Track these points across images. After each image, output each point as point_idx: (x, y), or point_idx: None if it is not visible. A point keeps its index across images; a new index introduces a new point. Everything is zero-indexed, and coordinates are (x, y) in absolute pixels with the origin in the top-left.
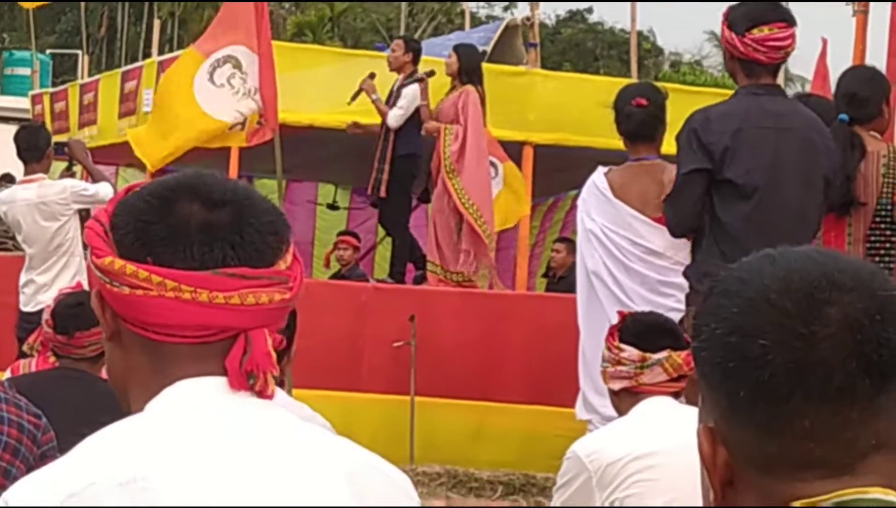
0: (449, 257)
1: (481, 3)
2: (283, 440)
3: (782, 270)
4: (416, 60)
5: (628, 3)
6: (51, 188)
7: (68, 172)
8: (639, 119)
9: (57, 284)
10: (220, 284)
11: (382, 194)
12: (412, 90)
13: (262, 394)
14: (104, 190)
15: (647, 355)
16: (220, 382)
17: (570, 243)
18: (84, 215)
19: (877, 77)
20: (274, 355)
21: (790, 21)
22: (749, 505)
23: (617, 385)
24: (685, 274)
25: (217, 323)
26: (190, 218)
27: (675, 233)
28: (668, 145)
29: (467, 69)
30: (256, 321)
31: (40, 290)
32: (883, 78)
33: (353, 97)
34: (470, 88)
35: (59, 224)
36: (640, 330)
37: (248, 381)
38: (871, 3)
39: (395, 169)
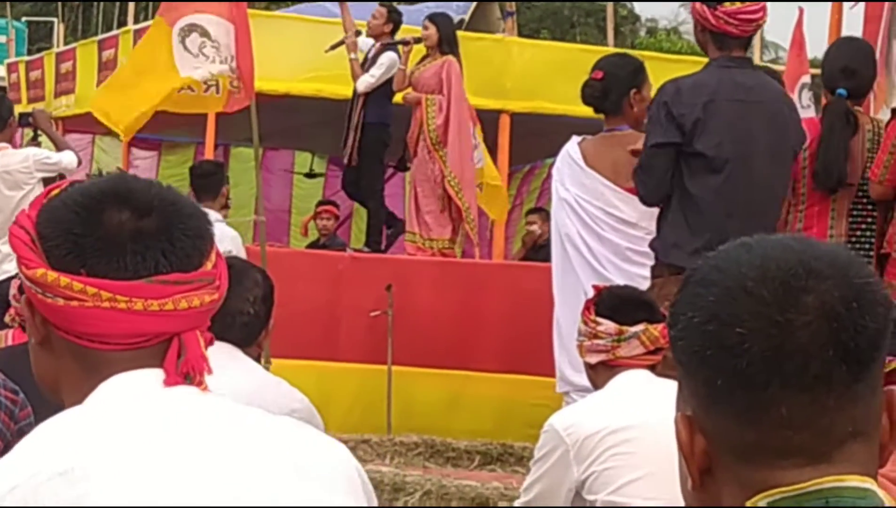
0: (432, 224)
1: None
2: (220, 427)
3: (759, 258)
4: (394, 32)
5: None
6: (13, 157)
7: (34, 142)
8: (592, 92)
9: None
10: (153, 291)
11: (352, 161)
12: (389, 58)
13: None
14: (67, 158)
15: (624, 328)
16: (157, 373)
17: (545, 213)
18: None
19: (871, 52)
20: (207, 355)
21: None
22: (727, 493)
23: (594, 359)
24: (651, 246)
25: (152, 330)
26: (121, 228)
27: (646, 204)
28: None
29: (447, 39)
30: (189, 324)
31: (5, 259)
32: (874, 53)
33: (333, 47)
34: (451, 58)
35: (22, 193)
36: (615, 303)
37: (185, 381)
38: None
39: (364, 136)
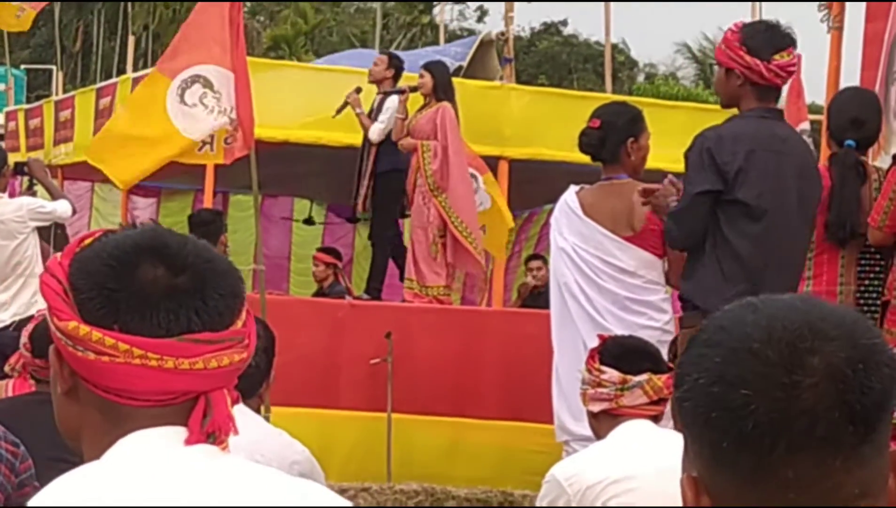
0: (426, 272)
1: (455, 16)
2: (236, 489)
3: (765, 318)
4: (396, 78)
5: (603, 16)
6: (7, 207)
7: (29, 191)
8: (589, 141)
9: (16, 302)
10: (185, 350)
11: (360, 208)
12: (393, 102)
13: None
14: (62, 208)
15: (628, 377)
16: (177, 431)
17: (543, 260)
18: (46, 235)
19: (877, 102)
20: (234, 415)
21: (796, 44)
22: None
23: (597, 407)
24: (682, 296)
25: (180, 388)
26: (155, 284)
27: (676, 247)
28: (652, 160)
29: (442, 86)
30: (217, 383)
31: (0, 308)
32: (880, 104)
33: (339, 111)
34: (446, 104)
35: (16, 242)
36: (620, 352)
37: (209, 440)
38: (847, 20)
39: (377, 185)
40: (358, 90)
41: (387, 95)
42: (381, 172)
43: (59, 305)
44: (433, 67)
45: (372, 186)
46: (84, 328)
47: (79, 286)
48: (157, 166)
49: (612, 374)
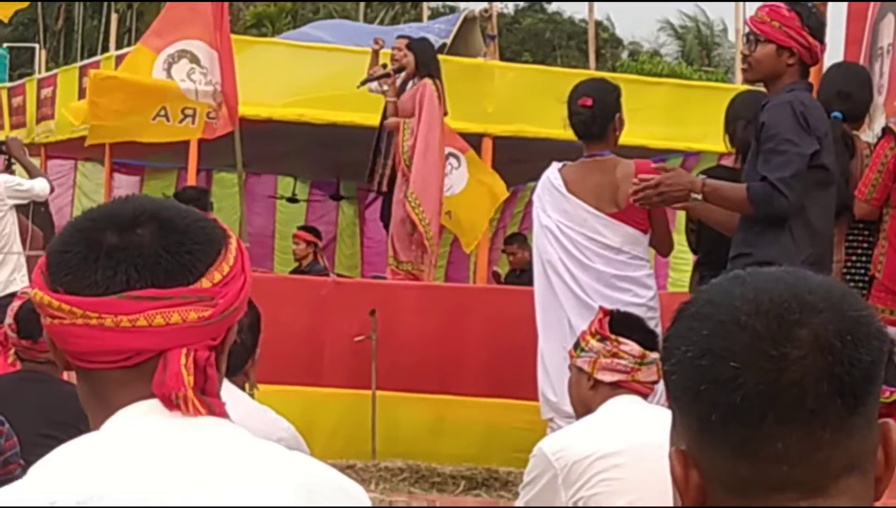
0: (399, 247)
1: None
2: (222, 458)
3: (752, 291)
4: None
5: None
6: None
7: (8, 170)
8: (583, 119)
9: None
10: (123, 307)
11: (384, 188)
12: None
13: (193, 413)
14: (40, 185)
15: (647, 352)
16: (151, 405)
17: (522, 237)
18: (27, 213)
19: (867, 76)
20: (186, 374)
21: None
22: None
23: (608, 377)
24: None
25: (128, 346)
26: (100, 244)
27: (782, 214)
28: (634, 136)
29: (424, 62)
30: (171, 342)
31: None
32: (870, 77)
33: (364, 83)
34: (427, 81)
35: None
36: (636, 325)
37: (172, 402)
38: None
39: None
40: (385, 67)
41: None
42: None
43: (36, 276)
44: (415, 45)
45: (392, 166)
46: (39, 294)
47: (46, 255)
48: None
49: (632, 347)
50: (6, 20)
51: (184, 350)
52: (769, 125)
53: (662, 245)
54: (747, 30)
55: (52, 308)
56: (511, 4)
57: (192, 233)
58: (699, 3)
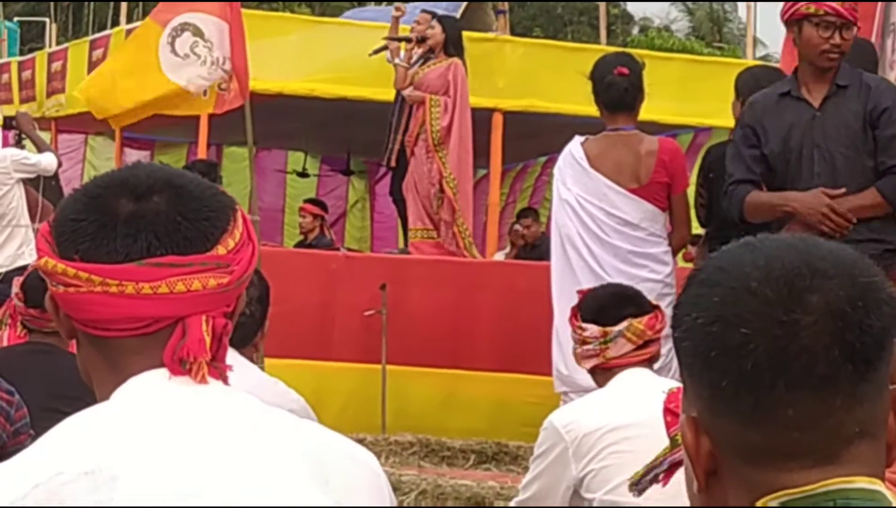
0: (425, 218)
1: None
2: (234, 426)
3: (763, 258)
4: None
5: None
6: None
7: (18, 144)
8: (621, 88)
9: (2, 253)
10: (145, 274)
11: (392, 163)
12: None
13: (201, 380)
14: (47, 159)
15: (608, 328)
16: (163, 373)
17: (534, 212)
18: (38, 186)
19: (871, 50)
20: (208, 340)
21: None
22: (733, 495)
23: (587, 364)
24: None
25: (148, 314)
26: (117, 211)
27: None
28: (645, 112)
29: (453, 40)
30: (191, 308)
31: None
32: (875, 51)
33: (376, 52)
34: (457, 60)
35: (0, 194)
36: (597, 306)
37: (183, 368)
38: None
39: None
40: (408, 40)
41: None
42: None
43: (41, 245)
44: (446, 21)
45: (403, 141)
46: (51, 262)
47: (55, 224)
48: (147, 101)
49: (592, 330)
50: None
51: (203, 317)
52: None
53: (678, 228)
54: (832, 18)
55: (68, 276)
56: None
57: (206, 200)
58: None
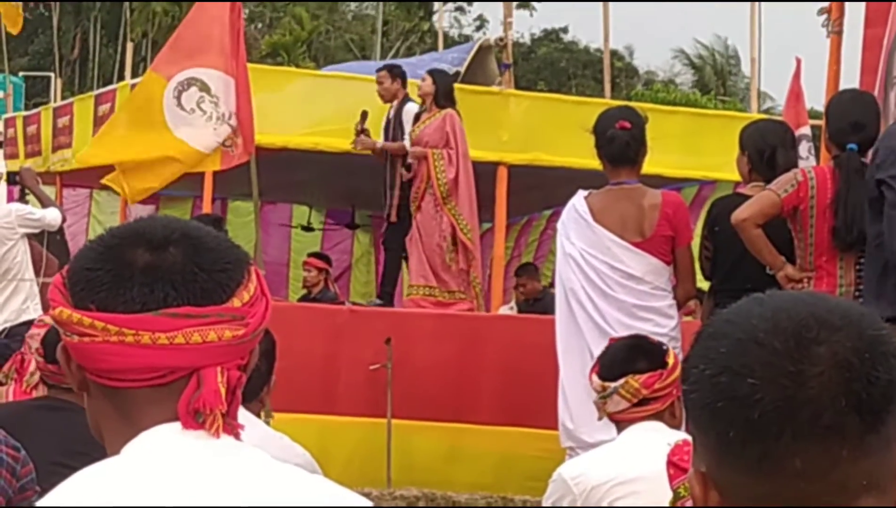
0: (447, 279)
1: (453, 22)
2: (247, 483)
3: (770, 310)
4: (404, 84)
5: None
6: None
7: (22, 200)
8: (623, 142)
9: (6, 309)
10: (161, 324)
11: (393, 218)
12: (411, 109)
13: (215, 433)
14: (51, 214)
15: (606, 384)
16: (177, 427)
17: (533, 268)
18: (43, 241)
19: (875, 105)
20: (223, 391)
21: None
22: None
23: (600, 415)
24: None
25: (164, 364)
26: (133, 262)
27: None
28: (650, 165)
29: (444, 92)
30: (206, 360)
31: None
32: (878, 107)
33: (355, 145)
34: (451, 111)
35: (5, 248)
36: (608, 358)
37: (197, 420)
38: (846, 24)
39: (404, 193)
40: (363, 116)
41: (402, 104)
42: (408, 182)
43: (54, 295)
44: (436, 74)
45: (400, 196)
46: (66, 311)
47: (69, 274)
48: (169, 179)
49: (595, 383)
50: (15, 32)
51: (218, 368)
52: None
53: (683, 282)
54: None
55: (83, 326)
56: (527, 33)
57: (222, 252)
58: (718, 32)
